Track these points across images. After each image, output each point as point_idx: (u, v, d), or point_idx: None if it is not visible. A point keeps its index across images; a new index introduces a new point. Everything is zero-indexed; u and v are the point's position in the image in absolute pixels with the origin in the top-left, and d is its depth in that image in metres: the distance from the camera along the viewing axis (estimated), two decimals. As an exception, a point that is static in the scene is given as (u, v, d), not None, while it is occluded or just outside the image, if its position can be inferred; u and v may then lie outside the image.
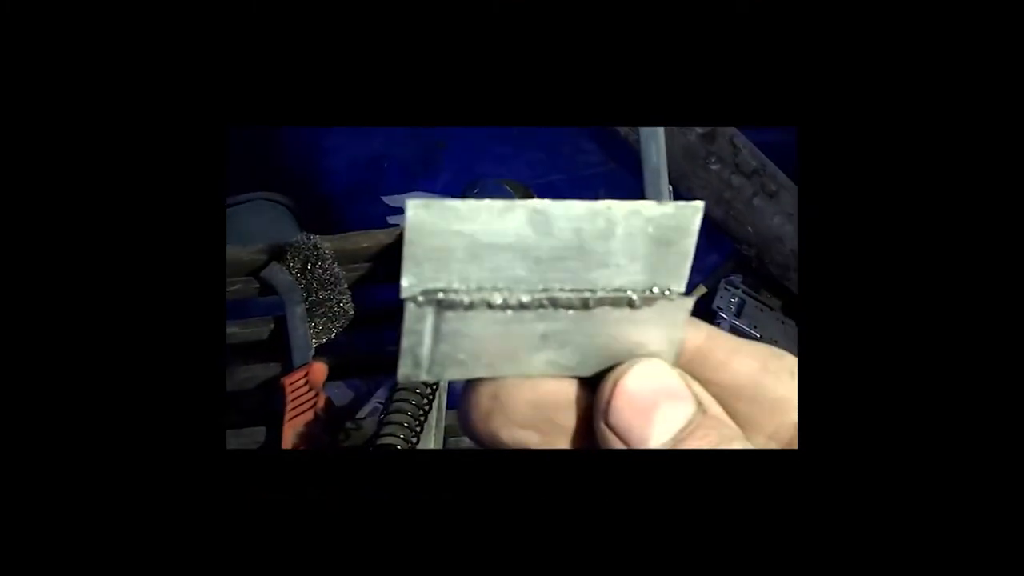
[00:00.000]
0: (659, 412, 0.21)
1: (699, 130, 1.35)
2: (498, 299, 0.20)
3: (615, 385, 0.21)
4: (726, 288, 1.60)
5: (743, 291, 1.58)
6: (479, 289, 0.20)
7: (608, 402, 0.21)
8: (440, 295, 0.20)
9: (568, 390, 0.22)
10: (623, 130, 1.41)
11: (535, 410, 0.22)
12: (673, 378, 0.22)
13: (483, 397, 0.22)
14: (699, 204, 0.21)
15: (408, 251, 0.21)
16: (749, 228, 1.42)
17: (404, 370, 0.21)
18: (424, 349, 0.21)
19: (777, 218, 1.41)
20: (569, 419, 0.22)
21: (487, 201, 0.20)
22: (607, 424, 0.21)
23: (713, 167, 1.37)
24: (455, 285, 0.20)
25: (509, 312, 0.21)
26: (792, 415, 0.22)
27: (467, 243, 0.20)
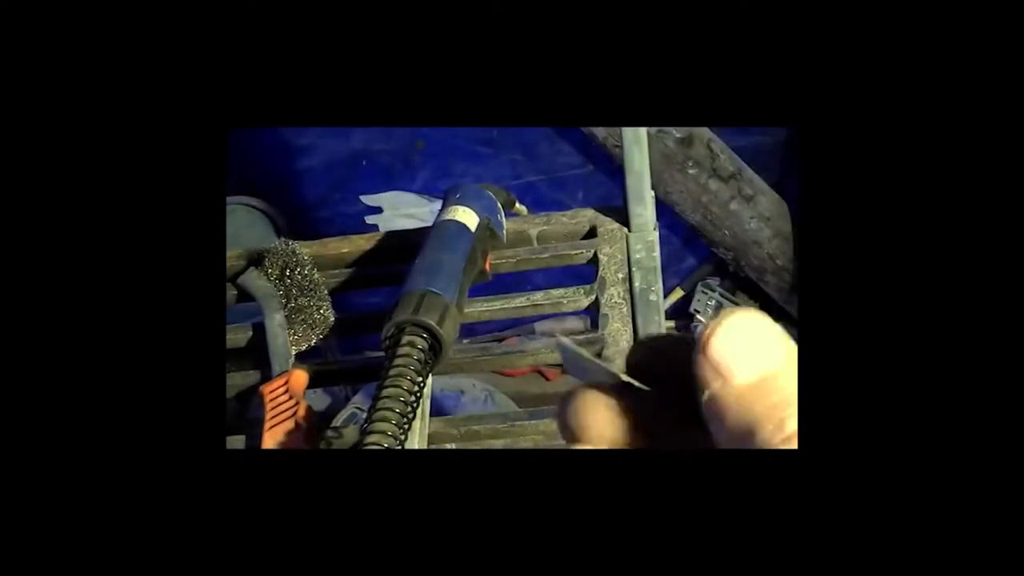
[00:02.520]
0: (759, 346, 0.22)
1: (677, 135, 1.36)
2: None
3: (718, 322, 0.22)
4: (703, 291, 1.62)
5: (720, 294, 1.60)
6: None
7: (711, 337, 0.22)
8: None
9: (643, 402, 0.23)
10: (600, 134, 1.42)
11: (613, 423, 0.23)
12: (772, 325, 0.22)
13: (568, 410, 0.24)
14: None
15: None
16: (726, 232, 1.43)
17: None
18: None
19: (754, 222, 1.43)
20: (648, 427, 0.23)
21: None
22: (706, 359, 0.22)
23: (691, 171, 1.38)
24: None
25: None
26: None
27: None
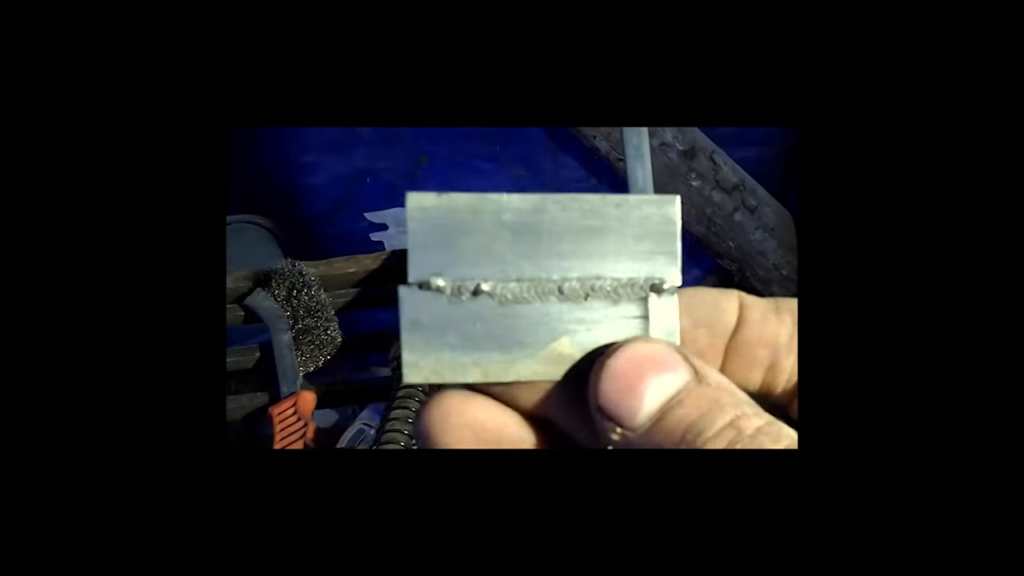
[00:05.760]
0: (646, 385, 0.20)
1: (679, 147, 1.36)
2: (485, 287, 0.21)
3: (601, 366, 0.21)
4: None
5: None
6: (471, 278, 0.21)
7: (596, 385, 0.21)
8: (439, 283, 0.21)
9: (510, 427, 0.23)
10: (603, 148, 1.42)
11: (473, 437, 0.22)
12: (661, 348, 0.21)
13: (434, 412, 0.22)
14: (676, 197, 0.22)
15: (411, 241, 0.21)
16: (731, 243, 1.43)
17: (407, 358, 0.21)
18: (421, 343, 0.21)
19: (758, 232, 1.43)
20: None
21: (485, 195, 0.21)
22: (597, 409, 0.21)
23: (694, 184, 1.38)
24: (452, 274, 0.21)
25: (498, 303, 0.21)
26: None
27: (465, 234, 0.21)
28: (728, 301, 0.24)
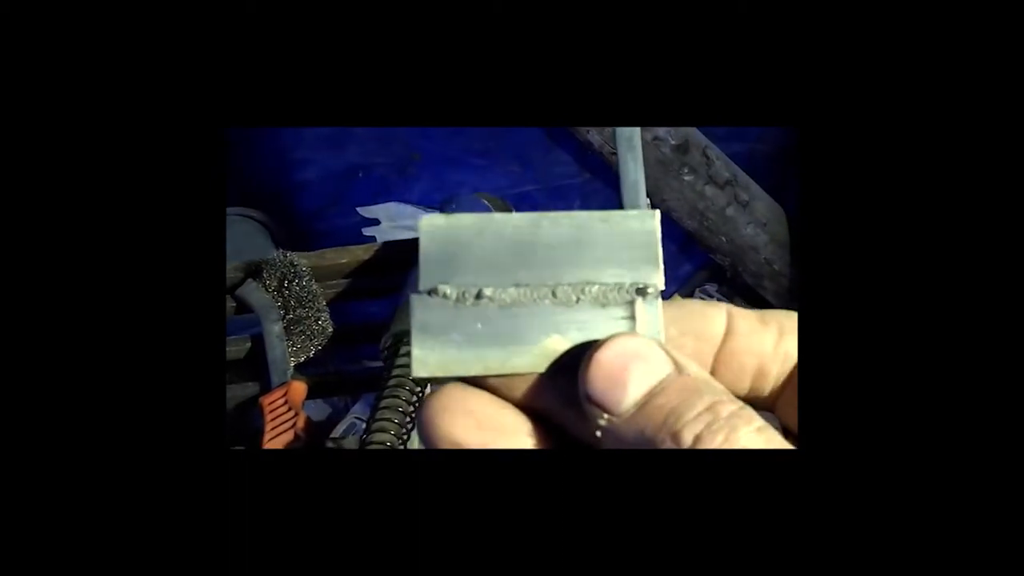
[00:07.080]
0: (629, 373, 0.23)
1: (672, 141, 1.36)
2: (487, 292, 0.24)
3: (590, 358, 0.23)
4: (701, 297, 1.62)
5: (718, 299, 1.60)
6: (475, 285, 0.24)
7: (584, 375, 0.23)
8: (446, 290, 0.24)
9: (508, 417, 0.25)
10: (596, 142, 1.42)
11: (475, 425, 0.24)
12: (645, 343, 0.23)
13: (436, 404, 0.24)
14: (656, 211, 0.25)
15: (422, 256, 0.25)
16: (723, 238, 1.44)
17: (417, 353, 0.24)
18: (429, 341, 0.24)
19: (750, 227, 1.43)
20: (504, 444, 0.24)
21: (486, 215, 0.25)
22: (586, 397, 0.23)
23: (687, 178, 1.38)
24: (457, 282, 0.24)
25: (498, 306, 0.24)
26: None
27: (470, 249, 0.24)
28: (716, 312, 0.26)
